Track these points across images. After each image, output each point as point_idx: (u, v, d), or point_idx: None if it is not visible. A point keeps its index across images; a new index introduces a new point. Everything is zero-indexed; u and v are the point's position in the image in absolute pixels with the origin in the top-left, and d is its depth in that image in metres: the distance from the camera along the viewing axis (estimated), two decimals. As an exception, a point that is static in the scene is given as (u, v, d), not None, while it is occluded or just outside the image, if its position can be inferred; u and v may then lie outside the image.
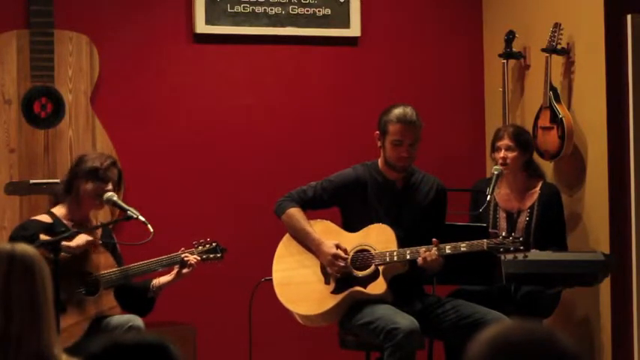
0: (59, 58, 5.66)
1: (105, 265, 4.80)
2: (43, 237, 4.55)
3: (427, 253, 4.72)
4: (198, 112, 6.08)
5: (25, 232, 4.66)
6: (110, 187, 4.81)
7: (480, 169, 6.37)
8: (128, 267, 4.85)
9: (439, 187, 5.04)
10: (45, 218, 4.82)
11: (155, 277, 4.94)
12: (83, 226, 4.85)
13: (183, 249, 4.94)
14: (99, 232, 4.94)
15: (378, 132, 4.96)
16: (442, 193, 5.05)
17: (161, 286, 4.92)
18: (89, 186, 4.81)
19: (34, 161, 5.62)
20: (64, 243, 4.60)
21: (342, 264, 4.85)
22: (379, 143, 4.96)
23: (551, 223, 5.47)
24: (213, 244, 5.02)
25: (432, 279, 5.09)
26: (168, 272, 4.92)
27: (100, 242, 4.86)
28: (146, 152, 5.98)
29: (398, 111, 4.91)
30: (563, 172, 5.90)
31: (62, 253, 4.55)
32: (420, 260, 4.73)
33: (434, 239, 4.74)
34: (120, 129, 5.87)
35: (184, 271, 4.89)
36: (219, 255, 5.02)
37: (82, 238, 4.71)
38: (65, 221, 4.83)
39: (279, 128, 6.21)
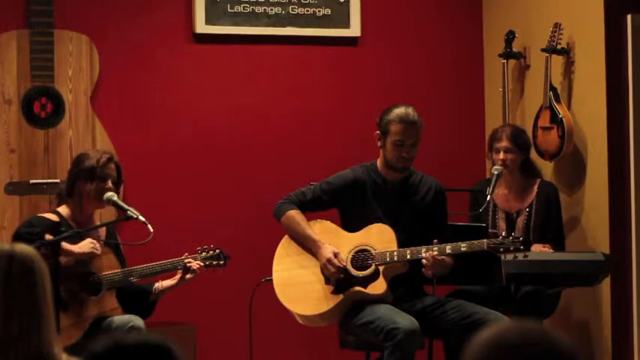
0: (59, 58, 5.66)
1: (108, 265, 4.80)
2: (48, 236, 4.52)
3: (428, 253, 4.72)
4: (198, 112, 6.09)
5: (32, 228, 4.64)
6: (110, 184, 4.80)
7: (480, 169, 6.37)
8: (131, 269, 4.84)
9: (437, 189, 5.03)
10: (52, 216, 4.81)
11: (157, 281, 4.93)
12: (86, 226, 4.84)
13: (186, 254, 4.93)
14: (103, 232, 4.93)
15: (378, 132, 4.96)
16: (441, 194, 5.04)
17: (163, 290, 4.91)
18: (89, 186, 4.79)
19: (34, 161, 5.62)
20: (67, 247, 4.59)
21: (332, 270, 4.85)
22: (379, 143, 4.95)
23: (550, 220, 5.47)
24: (217, 250, 5.02)
25: (432, 279, 5.09)
26: (171, 276, 4.92)
27: (103, 242, 4.85)
28: (146, 152, 5.98)
29: (400, 111, 4.90)
30: (563, 172, 5.90)
31: (62, 257, 4.55)
32: (424, 265, 4.72)
33: (435, 239, 4.73)
34: (120, 129, 5.87)
35: (187, 276, 4.89)
36: (222, 262, 5.02)
37: (86, 245, 4.69)
38: (70, 222, 4.82)
39: (279, 128, 6.21)
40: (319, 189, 5.02)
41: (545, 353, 1.85)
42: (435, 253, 4.71)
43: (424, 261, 4.73)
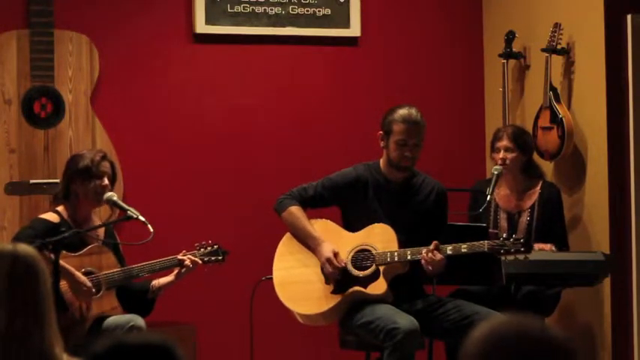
0: (59, 58, 5.66)
1: (107, 265, 4.80)
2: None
3: (429, 253, 4.71)
4: (199, 112, 6.09)
5: (32, 231, 4.65)
6: (106, 181, 4.80)
7: (480, 169, 6.37)
8: (130, 267, 4.84)
9: (439, 191, 5.04)
10: (52, 217, 4.81)
11: (155, 278, 4.93)
12: (85, 226, 4.84)
13: (184, 251, 4.93)
14: (102, 232, 4.93)
15: (381, 132, 4.97)
16: (443, 196, 5.05)
17: (161, 287, 4.91)
18: (85, 186, 4.79)
19: (34, 161, 5.62)
20: (67, 267, 4.58)
21: (331, 270, 4.85)
22: (382, 143, 4.96)
23: (553, 222, 5.47)
24: (215, 246, 5.02)
25: (432, 279, 5.09)
26: (169, 273, 4.92)
27: (102, 242, 4.85)
28: (146, 152, 5.98)
29: (403, 111, 4.92)
30: (563, 172, 5.90)
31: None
32: (423, 262, 4.73)
33: (434, 241, 4.73)
34: (120, 129, 5.87)
35: (183, 270, 4.89)
36: (220, 257, 5.02)
37: (86, 281, 4.68)
38: (70, 222, 4.81)
39: (279, 128, 6.21)
40: (321, 185, 5.03)
41: (542, 347, 1.85)
42: (437, 255, 4.70)
43: (423, 260, 4.73)
